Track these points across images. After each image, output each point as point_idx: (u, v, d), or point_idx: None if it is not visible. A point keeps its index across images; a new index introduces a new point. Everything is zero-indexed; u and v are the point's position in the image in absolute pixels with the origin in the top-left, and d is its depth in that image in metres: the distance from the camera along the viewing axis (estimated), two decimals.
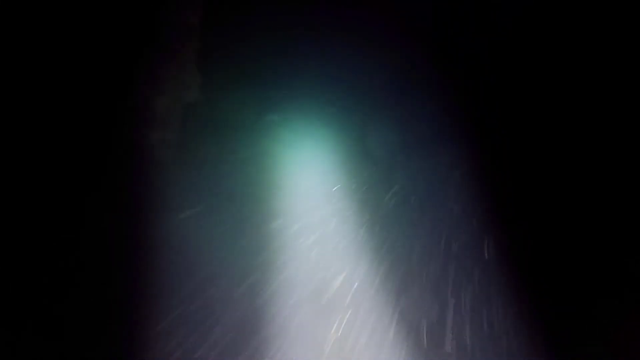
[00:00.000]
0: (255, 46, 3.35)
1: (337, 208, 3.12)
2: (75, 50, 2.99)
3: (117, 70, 3.08)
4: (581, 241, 2.91)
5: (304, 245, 3.01)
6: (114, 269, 2.81)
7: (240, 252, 2.99)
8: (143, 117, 3.14)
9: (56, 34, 2.96)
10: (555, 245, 2.92)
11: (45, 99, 2.94)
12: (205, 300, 2.79)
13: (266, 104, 3.30)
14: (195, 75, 3.30)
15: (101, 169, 2.95)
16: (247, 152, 3.22)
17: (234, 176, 3.14)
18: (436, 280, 2.89)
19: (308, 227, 3.06)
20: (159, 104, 3.21)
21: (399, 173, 3.19)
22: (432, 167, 3.19)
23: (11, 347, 2.53)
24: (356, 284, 2.89)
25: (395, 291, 2.87)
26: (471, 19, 3.26)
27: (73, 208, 2.87)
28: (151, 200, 2.99)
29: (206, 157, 3.15)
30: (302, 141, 3.28)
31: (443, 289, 2.87)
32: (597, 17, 3.10)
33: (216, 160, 3.14)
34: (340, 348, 2.74)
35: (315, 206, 3.14)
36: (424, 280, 2.89)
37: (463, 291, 2.85)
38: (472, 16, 3.25)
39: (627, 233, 2.89)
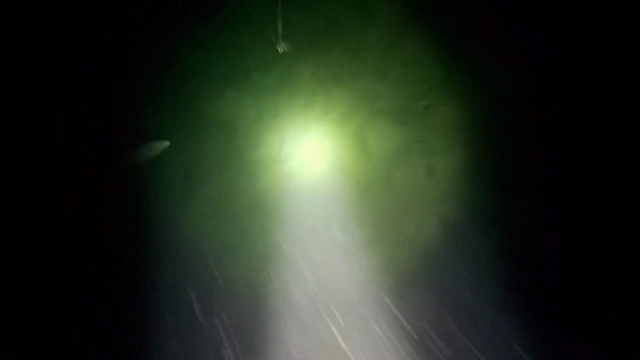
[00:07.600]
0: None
1: (338, 208, 3.12)
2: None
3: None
4: (587, 244, 2.87)
5: (305, 245, 3.01)
6: (112, 269, 2.84)
7: (240, 252, 3.00)
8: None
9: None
10: (560, 248, 2.89)
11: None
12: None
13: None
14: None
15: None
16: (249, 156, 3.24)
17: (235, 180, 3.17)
18: (439, 283, 2.88)
19: (309, 229, 3.06)
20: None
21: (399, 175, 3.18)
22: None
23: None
24: (355, 282, 2.88)
25: (397, 291, 2.85)
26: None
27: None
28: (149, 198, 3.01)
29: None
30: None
31: (446, 291, 2.85)
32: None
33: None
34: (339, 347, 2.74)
35: (316, 207, 3.14)
36: (427, 282, 2.87)
37: (469, 293, 2.84)
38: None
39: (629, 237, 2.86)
